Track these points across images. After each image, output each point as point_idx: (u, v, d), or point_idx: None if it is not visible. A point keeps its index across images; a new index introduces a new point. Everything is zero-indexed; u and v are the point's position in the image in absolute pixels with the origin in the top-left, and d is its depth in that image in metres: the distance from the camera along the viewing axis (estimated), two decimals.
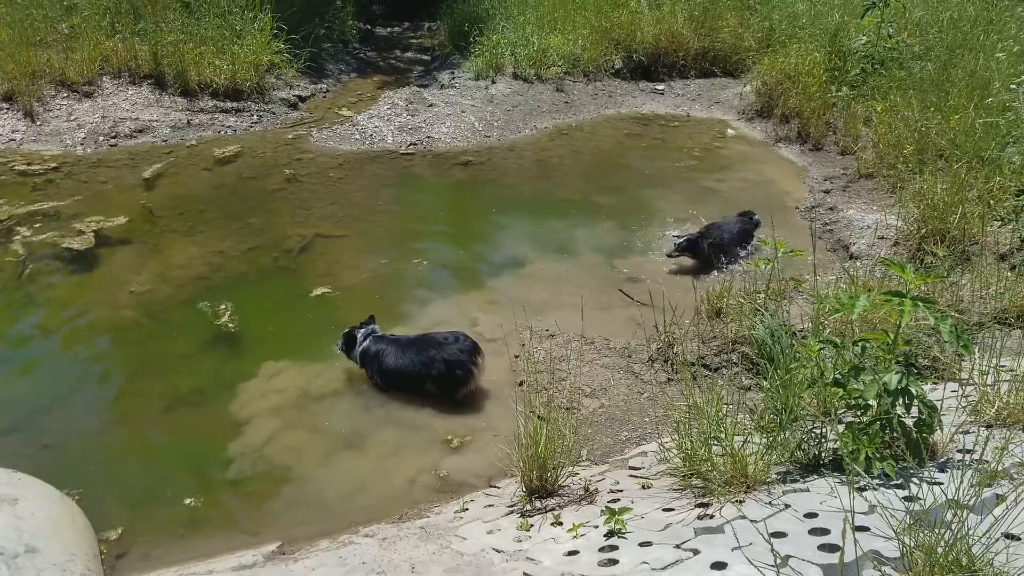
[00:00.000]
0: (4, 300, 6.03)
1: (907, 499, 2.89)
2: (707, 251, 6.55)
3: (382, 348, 5.14)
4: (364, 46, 13.45)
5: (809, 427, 3.52)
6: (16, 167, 7.95)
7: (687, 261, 6.74)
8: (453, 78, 11.19)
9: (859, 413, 3.34)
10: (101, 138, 8.79)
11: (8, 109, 8.84)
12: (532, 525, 3.50)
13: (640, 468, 4.02)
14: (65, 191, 7.61)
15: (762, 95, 10.51)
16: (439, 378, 4.97)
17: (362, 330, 5.27)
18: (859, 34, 9.75)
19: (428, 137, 9.56)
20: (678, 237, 6.70)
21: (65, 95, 9.21)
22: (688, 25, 11.89)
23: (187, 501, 4.24)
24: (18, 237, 6.70)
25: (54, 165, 8.12)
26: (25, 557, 3.25)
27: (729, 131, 10.34)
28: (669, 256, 6.67)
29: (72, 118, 8.96)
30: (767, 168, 9.12)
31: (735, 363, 4.99)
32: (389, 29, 15.03)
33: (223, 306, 5.89)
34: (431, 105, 10.27)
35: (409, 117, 9.95)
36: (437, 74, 11.69)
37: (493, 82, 10.93)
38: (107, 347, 5.65)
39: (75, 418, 4.92)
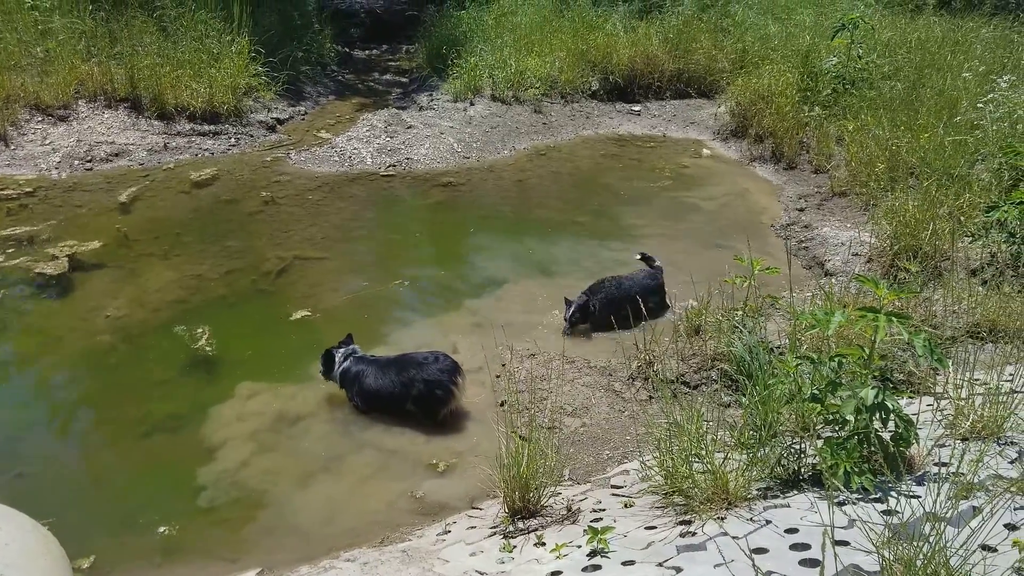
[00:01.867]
0: None
1: (886, 513, 2.92)
2: (597, 310, 5.95)
3: (362, 369, 5.11)
4: (342, 69, 13.51)
5: (788, 443, 3.54)
6: None
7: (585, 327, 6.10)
8: (432, 100, 11.26)
9: (837, 428, 3.37)
10: (76, 162, 8.71)
11: None
12: (515, 546, 3.48)
13: (622, 486, 4.01)
14: (39, 216, 7.52)
15: (736, 115, 10.67)
16: (419, 398, 4.95)
17: (341, 350, 5.23)
18: (830, 55, 9.96)
19: (407, 159, 9.59)
20: (568, 304, 5.99)
21: (40, 119, 9.14)
22: (663, 47, 12.07)
23: (164, 528, 4.17)
24: None
25: (28, 190, 8.02)
26: None
27: (705, 151, 10.48)
28: (566, 335, 5.92)
29: (47, 142, 8.88)
30: (742, 187, 9.24)
31: (715, 380, 5.02)
32: (367, 52, 15.11)
33: (200, 330, 5.83)
34: (410, 127, 10.32)
35: (388, 139, 9.98)
36: (416, 96, 11.76)
37: (471, 104, 11.01)
38: (82, 373, 5.56)
39: (49, 446, 4.85)
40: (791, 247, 7.28)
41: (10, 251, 6.81)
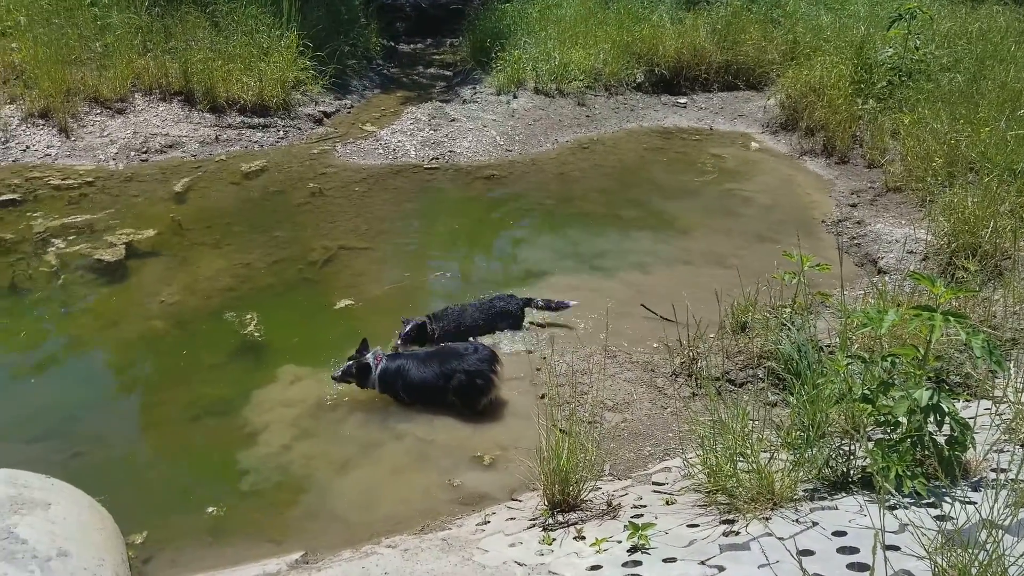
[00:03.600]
0: (38, 310, 6.15)
1: (939, 518, 2.83)
2: (437, 338, 5.67)
3: (402, 364, 5.13)
4: (388, 62, 13.61)
5: (837, 444, 3.47)
6: (51, 181, 8.13)
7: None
8: (475, 93, 11.27)
9: (889, 430, 3.28)
10: (133, 153, 8.96)
11: (44, 125, 9.04)
12: (554, 539, 3.47)
13: (664, 484, 3.98)
14: (98, 204, 7.76)
15: (786, 108, 10.45)
16: (460, 388, 4.97)
17: (368, 355, 5.16)
18: (886, 46, 9.67)
19: (450, 151, 9.63)
20: (407, 322, 5.69)
21: (98, 112, 9.42)
22: (711, 39, 11.88)
23: (212, 508, 4.27)
24: (52, 249, 6.84)
25: (88, 179, 8.29)
26: (57, 560, 3.30)
27: (753, 144, 10.29)
28: (396, 349, 5.52)
29: (105, 134, 9.15)
30: (792, 181, 9.05)
31: (760, 378, 4.93)
32: (412, 46, 15.20)
33: (249, 316, 5.96)
34: (453, 120, 10.35)
35: (431, 132, 10.03)
36: (459, 89, 11.79)
37: (515, 97, 10.99)
38: (136, 356, 5.74)
39: (104, 426, 5.01)
40: (842, 244, 7.11)
41: (71, 238, 7.05)
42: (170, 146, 9.21)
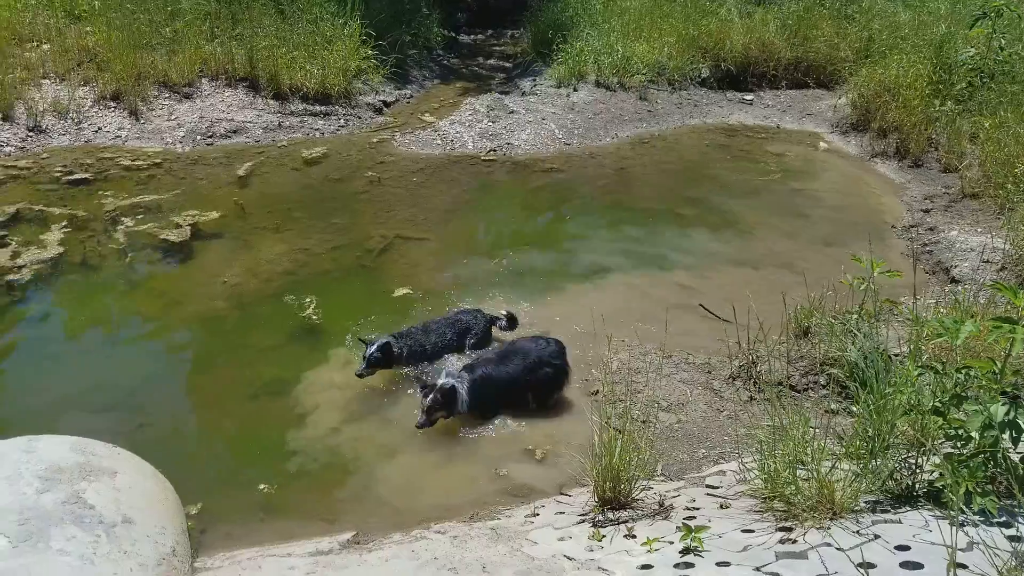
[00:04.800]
0: (106, 287, 6.36)
1: (1013, 539, 2.70)
2: (404, 359, 5.27)
3: (483, 371, 4.89)
4: (448, 53, 13.67)
5: (903, 456, 3.34)
6: (121, 162, 8.40)
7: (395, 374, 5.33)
8: (535, 85, 11.23)
9: (959, 444, 3.14)
10: (198, 137, 9.20)
11: (115, 108, 9.35)
12: (604, 536, 3.43)
13: (718, 487, 3.89)
14: (164, 186, 7.99)
15: (858, 108, 10.13)
16: (545, 382, 4.91)
17: (442, 377, 4.79)
18: (967, 46, 9.27)
19: (508, 143, 9.61)
20: (368, 344, 5.16)
21: (167, 96, 9.69)
22: (780, 34, 11.60)
23: (263, 485, 4.35)
24: (121, 227, 7.07)
25: (156, 161, 8.53)
26: (122, 527, 3.39)
27: (821, 144, 10.00)
28: (359, 376, 5.11)
29: (172, 117, 9.41)
30: (861, 184, 8.77)
31: (822, 385, 4.79)
32: (473, 36, 15.23)
33: (308, 299, 6.06)
34: (512, 112, 10.33)
35: (490, 123, 10.03)
36: (519, 81, 11.76)
37: (575, 90, 10.91)
38: (199, 335, 5.89)
39: (166, 400, 5.17)
40: (914, 250, 6.84)
41: (139, 217, 7.27)
42: (234, 131, 9.42)
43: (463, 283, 6.57)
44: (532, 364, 4.91)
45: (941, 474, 3.01)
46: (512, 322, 5.69)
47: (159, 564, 3.34)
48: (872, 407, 3.53)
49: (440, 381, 4.74)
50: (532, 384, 4.93)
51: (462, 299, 6.24)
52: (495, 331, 5.76)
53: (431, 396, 4.65)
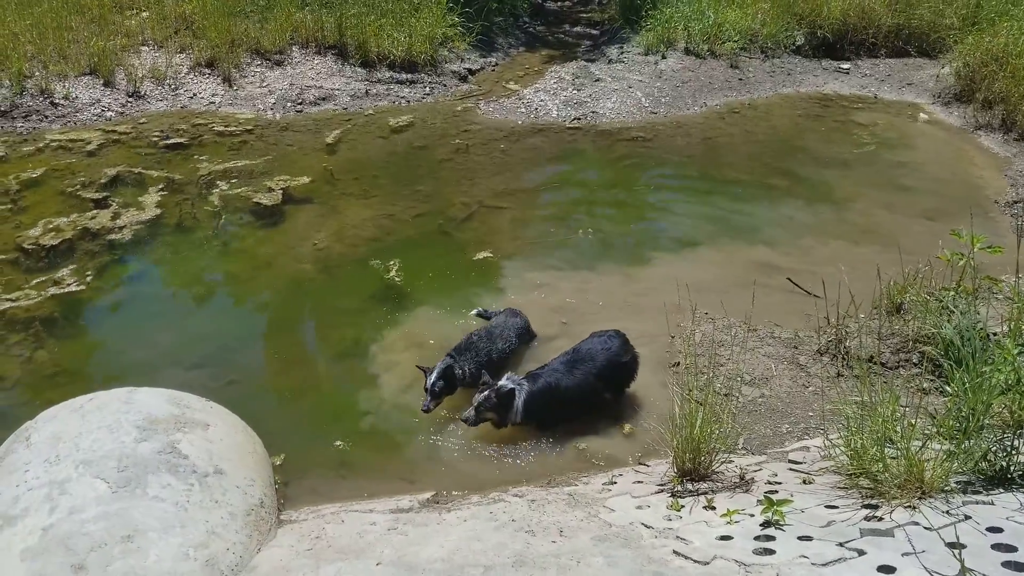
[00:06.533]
0: (201, 247, 6.66)
1: None
2: (468, 378, 4.79)
3: (551, 380, 4.58)
4: (534, 20, 13.54)
5: (998, 437, 3.19)
6: (215, 128, 8.74)
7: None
8: (621, 53, 11.01)
9: None
10: (289, 104, 9.47)
11: (210, 74, 9.72)
12: (683, 506, 3.43)
13: (802, 462, 3.82)
14: (256, 151, 8.28)
15: (962, 78, 9.53)
16: (613, 383, 4.76)
17: (504, 383, 4.51)
18: None
19: (593, 112, 9.50)
20: (427, 372, 4.70)
21: (259, 63, 10.00)
22: (882, 0, 10.95)
23: (340, 442, 4.50)
24: (216, 191, 7.39)
25: (248, 127, 8.83)
26: (214, 477, 3.57)
27: (922, 115, 9.47)
28: (425, 411, 4.61)
29: (264, 84, 9.72)
30: (963, 157, 8.27)
31: (914, 363, 4.60)
32: (559, 3, 15.03)
33: (392, 262, 6.20)
34: (597, 80, 10.18)
35: (575, 92, 9.92)
36: (605, 48, 11.55)
37: (663, 57, 10.65)
38: (288, 296, 6.11)
39: (255, 357, 5.42)
40: (1017, 226, 6.44)
41: (233, 181, 7.58)
42: (323, 98, 9.65)
43: (545, 250, 6.58)
44: (601, 368, 4.61)
45: None
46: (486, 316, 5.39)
47: (248, 514, 3.49)
48: (968, 385, 3.38)
49: (501, 382, 4.51)
50: (605, 387, 4.70)
51: (545, 266, 6.23)
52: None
53: (485, 394, 4.44)
